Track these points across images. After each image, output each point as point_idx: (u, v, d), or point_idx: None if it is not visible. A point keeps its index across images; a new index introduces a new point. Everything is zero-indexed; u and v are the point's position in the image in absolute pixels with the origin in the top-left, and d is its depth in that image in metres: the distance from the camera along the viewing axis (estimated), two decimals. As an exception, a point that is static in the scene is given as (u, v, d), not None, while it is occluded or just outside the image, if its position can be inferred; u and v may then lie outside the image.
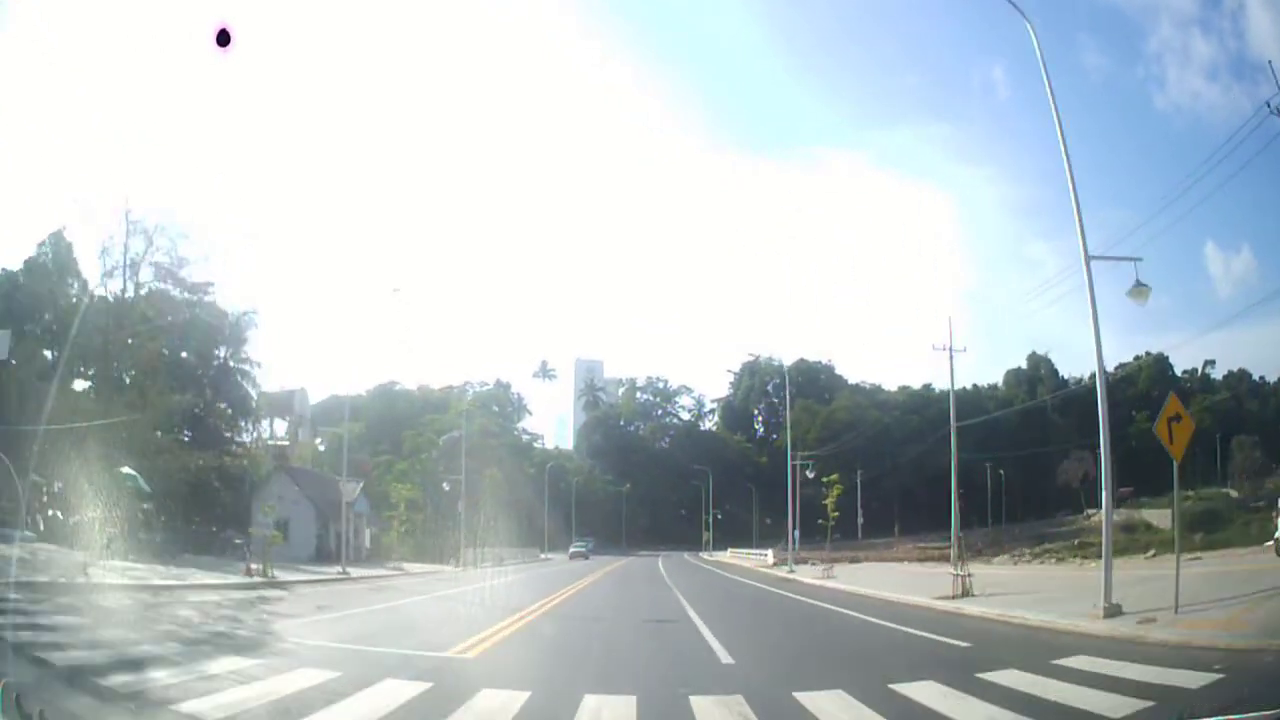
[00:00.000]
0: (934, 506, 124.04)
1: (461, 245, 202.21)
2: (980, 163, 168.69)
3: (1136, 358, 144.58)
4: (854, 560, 51.55)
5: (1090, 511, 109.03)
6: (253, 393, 49.77)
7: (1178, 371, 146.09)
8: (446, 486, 61.80)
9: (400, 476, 76.98)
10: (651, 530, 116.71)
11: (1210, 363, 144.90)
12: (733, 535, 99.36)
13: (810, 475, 45.58)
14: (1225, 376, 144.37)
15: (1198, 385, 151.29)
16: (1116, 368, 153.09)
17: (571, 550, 77.94)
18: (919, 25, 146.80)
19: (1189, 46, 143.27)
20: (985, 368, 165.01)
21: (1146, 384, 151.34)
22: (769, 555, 51.28)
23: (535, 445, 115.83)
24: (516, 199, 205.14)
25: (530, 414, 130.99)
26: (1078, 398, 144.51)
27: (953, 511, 37.70)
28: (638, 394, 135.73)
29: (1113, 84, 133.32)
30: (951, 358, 38.68)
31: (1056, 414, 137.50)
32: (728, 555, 73.38)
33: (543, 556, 76.17)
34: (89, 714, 7.33)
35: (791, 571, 40.88)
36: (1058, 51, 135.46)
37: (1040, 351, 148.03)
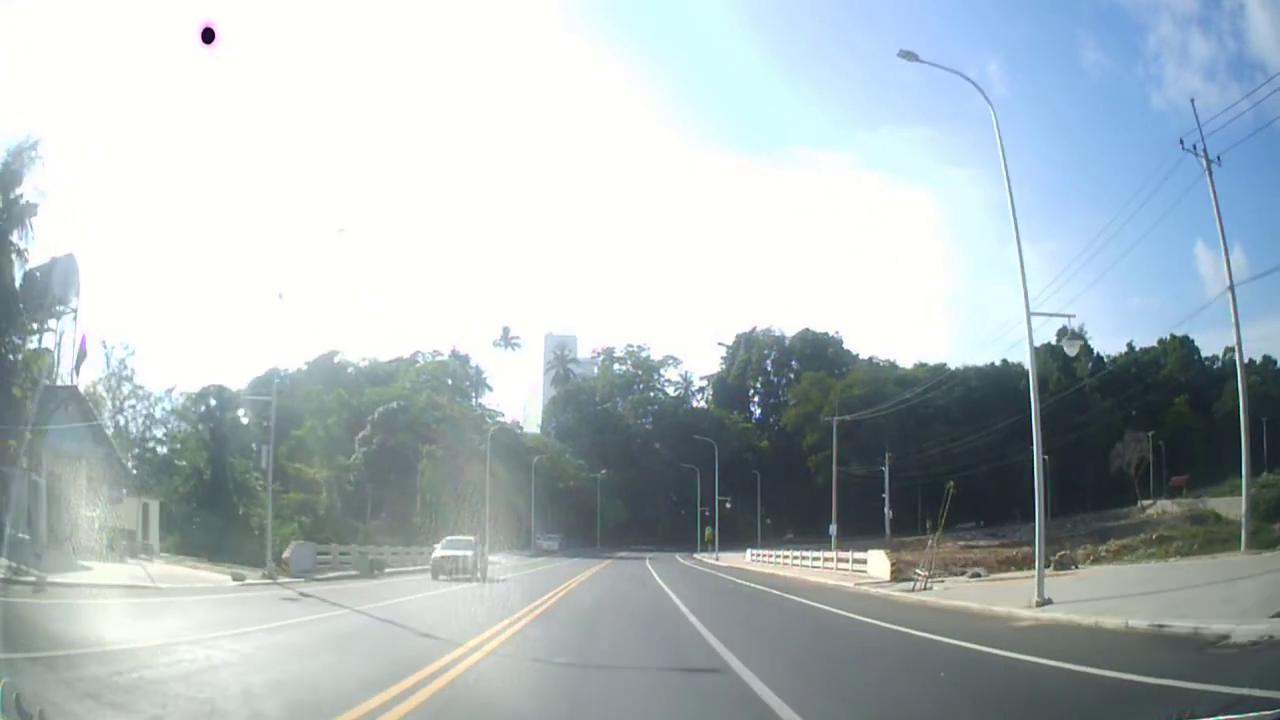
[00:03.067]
0: (965, 497, 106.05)
1: (429, 212, 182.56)
2: (963, 164, 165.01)
3: (1160, 341, 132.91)
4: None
5: (1145, 503, 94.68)
6: (16, 274, 29.37)
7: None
8: (256, 446, 41.66)
9: (296, 450, 56.88)
10: (633, 525, 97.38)
11: (1231, 349, 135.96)
12: (730, 533, 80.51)
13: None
14: (1246, 364, 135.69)
15: (1228, 369, 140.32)
16: (1139, 350, 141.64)
17: (441, 552, 33.59)
18: (903, 29, 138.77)
19: (1188, 45, 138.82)
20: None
21: (1174, 367, 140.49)
22: (874, 561, 31.17)
23: (490, 420, 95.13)
24: (493, 174, 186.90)
25: (491, 390, 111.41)
26: (1115, 377, 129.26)
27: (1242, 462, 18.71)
28: (615, 365, 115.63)
29: (1111, 82, 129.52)
30: (1209, 169, 19.77)
31: (1097, 394, 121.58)
32: (747, 560, 52.73)
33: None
34: (89, 714, 6.95)
35: (1044, 604, 16.72)
36: (1058, 48, 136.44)
37: (1072, 326, 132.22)
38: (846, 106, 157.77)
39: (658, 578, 34.93)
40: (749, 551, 54.84)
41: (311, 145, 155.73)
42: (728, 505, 74.72)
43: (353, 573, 32.17)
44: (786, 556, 43.49)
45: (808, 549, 43.44)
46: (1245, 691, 7.04)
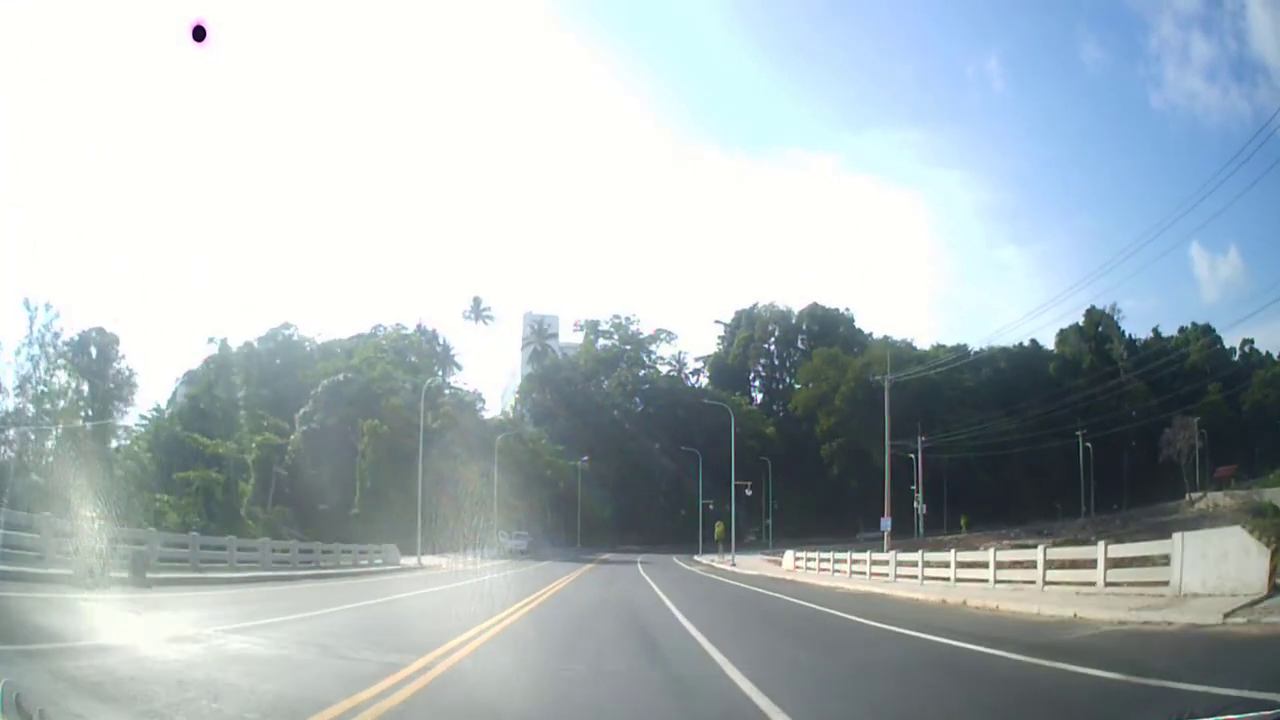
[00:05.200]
0: (998, 489, 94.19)
1: (405, 188, 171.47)
2: (952, 166, 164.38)
3: (1182, 329, 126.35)
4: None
5: (1195, 495, 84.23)
6: None
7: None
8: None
9: (187, 414, 43.92)
10: (620, 521, 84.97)
11: (1249, 341, 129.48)
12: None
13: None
14: (1265, 357, 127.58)
15: (1253, 360, 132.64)
16: (1162, 337, 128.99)
17: None
18: (899, 26, 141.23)
19: (1189, 46, 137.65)
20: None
21: (1199, 356, 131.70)
22: (1204, 549, 13.52)
23: (447, 394, 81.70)
24: (478, 155, 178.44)
25: (460, 369, 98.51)
26: (1146, 364, 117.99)
27: None
28: (599, 340, 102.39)
29: (1112, 80, 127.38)
30: None
31: (1132, 379, 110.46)
32: (788, 566, 35.40)
33: (370, 565, 37.61)
34: (90, 714, 6.56)
35: None
36: (1058, 44, 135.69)
37: (1101, 307, 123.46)
38: (836, 108, 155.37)
39: (682, 617, 16.63)
40: (789, 554, 38.63)
41: (278, 110, 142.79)
42: (748, 492, 61.55)
43: (123, 574, 18.84)
44: (883, 564, 27.67)
45: (833, 550, 30.43)
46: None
